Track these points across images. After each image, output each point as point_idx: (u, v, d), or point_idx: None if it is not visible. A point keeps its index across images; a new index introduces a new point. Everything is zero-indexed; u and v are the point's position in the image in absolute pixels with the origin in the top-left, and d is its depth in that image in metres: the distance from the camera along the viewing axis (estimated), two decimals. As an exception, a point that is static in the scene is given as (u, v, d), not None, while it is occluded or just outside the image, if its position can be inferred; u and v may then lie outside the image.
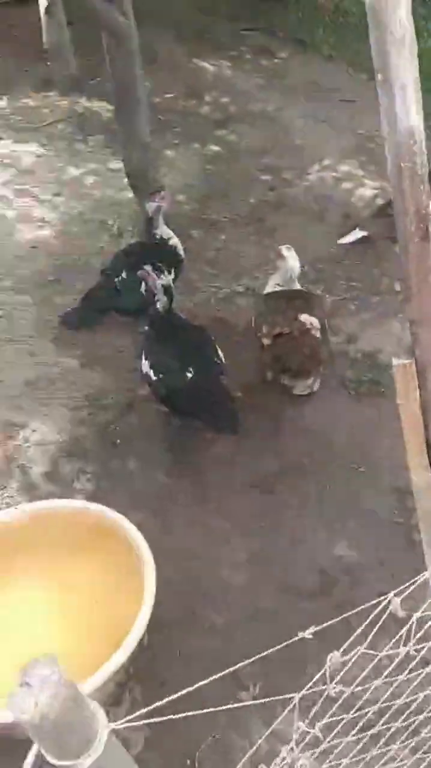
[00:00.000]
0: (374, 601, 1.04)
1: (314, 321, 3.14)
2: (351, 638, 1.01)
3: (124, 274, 3.47)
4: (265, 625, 2.23)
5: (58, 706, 0.68)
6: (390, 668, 1.14)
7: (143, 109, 3.90)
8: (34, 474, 2.95)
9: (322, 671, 0.97)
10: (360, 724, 1.23)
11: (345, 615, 1.04)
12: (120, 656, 2.06)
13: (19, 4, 6.49)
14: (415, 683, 1.26)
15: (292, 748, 1.10)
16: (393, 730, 1.32)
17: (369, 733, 1.29)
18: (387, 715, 1.27)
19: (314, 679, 0.98)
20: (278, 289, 3.27)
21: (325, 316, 3.34)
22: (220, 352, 2.99)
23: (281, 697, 0.97)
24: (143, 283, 3.02)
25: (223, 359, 2.98)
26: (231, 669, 0.97)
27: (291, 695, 0.97)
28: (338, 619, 1.03)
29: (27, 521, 2.51)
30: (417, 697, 1.31)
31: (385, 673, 1.14)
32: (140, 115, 3.89)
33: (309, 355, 3.12)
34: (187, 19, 6.97)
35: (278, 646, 0.98)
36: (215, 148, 5.25)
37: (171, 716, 0.98)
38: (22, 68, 6.35)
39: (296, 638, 0.96)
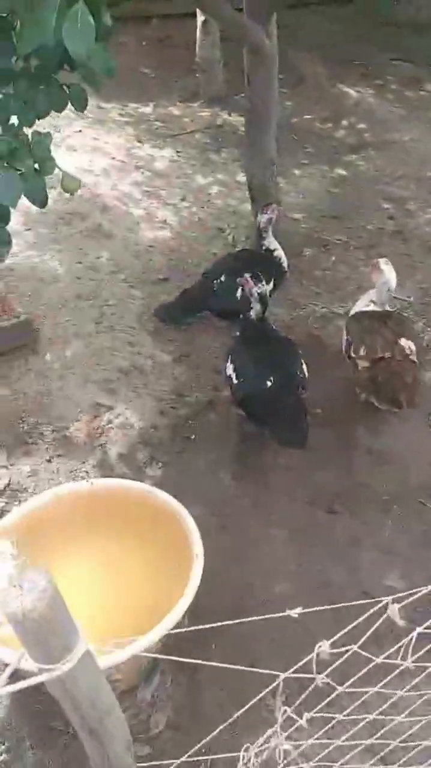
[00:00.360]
0: (372, 600, 1.06)
1: (412, 346, 3.05)
2: (342, 632, 1.04)
3: (223, 278, 3.59)
4: (295, 635, 2.24)
5: (41, 609, 0.77)
6: (388, 679, 1.15)
7: (272, 127, 4.01)
8: (112, 454, 3.11)
9: (308, 657, 1.01)
10: (353, 730, 1.25)
11: (334, 606, 1.07)
12: (152, 636, 2.15)
13: (178, 18, 6.85)
14: (418, 702, 1.25)
15: (276, 732, 1.13)
16: (391, 747, 1.31)
17: (363, 743, 1.29)
18: (383, 730, 1.27)
19: (301, 663, 1.02)
20: (368, 308, 3.22)
21: (416, 341, 3.24)
22: (304, 366, 3.01)
23: (264, 671, 1.01)
24: (240, 289, 3.12)
25: (306, 373, 3.00)
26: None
27: (276, 673, 1.01)
28: (324, 608, 1.06)
29: (96, 495, 2.65)
30: (420, 719, 1.30)
31: (382, 683, 1.16)
32: (269, 132, 4.01)
33: (411, 384, 3.01)
34: (339, 46, 7.08)
35: (255, 617, 1.02)
36: (343, 172, 5.30)
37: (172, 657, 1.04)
38: (173, 78, 6.70)
39: (283, 614, 1.00)
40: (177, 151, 5.53)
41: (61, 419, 3.27)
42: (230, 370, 3.01)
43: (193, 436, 3.15)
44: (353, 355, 3.13)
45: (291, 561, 2.66)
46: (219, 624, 1.09)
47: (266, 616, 1.07)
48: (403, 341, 3.05)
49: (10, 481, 2.99)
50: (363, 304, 3.29)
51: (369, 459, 3.07)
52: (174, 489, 2.68)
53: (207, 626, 1.06)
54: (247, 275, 3.04)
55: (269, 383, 2.88)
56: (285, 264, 3.73)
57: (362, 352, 3.08)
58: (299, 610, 1.00)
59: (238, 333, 3.15)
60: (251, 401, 2.94)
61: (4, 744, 2.25)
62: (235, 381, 2.98)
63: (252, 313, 3.04)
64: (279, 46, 3.92)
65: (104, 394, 3.39)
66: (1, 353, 3.57)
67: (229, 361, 3.05)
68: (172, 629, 2.17)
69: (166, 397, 3.37)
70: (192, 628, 1.14)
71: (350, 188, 5.11)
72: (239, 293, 3.18)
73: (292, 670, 1.02)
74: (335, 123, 6.04)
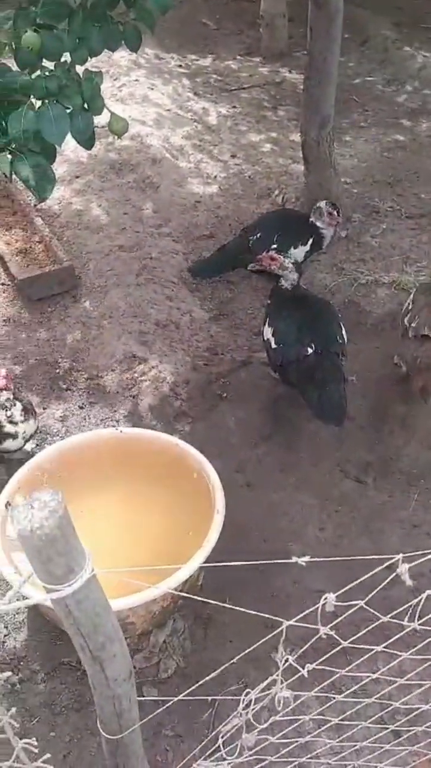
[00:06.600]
0: (383, 556, 1.04)
1: None
2: (348, 586, 1.03)
3: (259, 234, 3.51)
4: (311, 597, 2.24)
5: (49, 527, 0.78)
6: (391, 640, 1.14)
7: (331, 85, 3.88)
8: (143, 406, 3.12)
9: (314, 607, 1.00)
10: (354, 688, 1.24)
11: (344, 558, 1.05)
12: (167, 584, 2.17)
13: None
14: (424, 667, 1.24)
15: (279, 680, 1.13)
16: (390, 709, 1.31)
17: (364, 701, 1.29)
18: (385, 690, 1.26)
19: (305, 613, 1.01)
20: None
21: None
22: (344, 331, 2.95)
23: (270, 616, 1.01)
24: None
25: (346, 339, 2.94)
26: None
27: (281, 620, 1.01)
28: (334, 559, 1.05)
29: (123, 442, 2.69)
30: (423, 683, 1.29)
31: (385, 644, 1.15)
32: (327, 89, 3.87)
33: None
34: (408, 8, 6.79)
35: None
36: (401, 137, 5.12)
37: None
38: (236, 32, 6.54)
39: (291, 561, 1.00)
40: (232, 107, 5.41)
41: (95, 367, 3.29)
42: (268, 333, 2.95)
43: (224, 394, 3.14)
44: (406, 324, 3.04)
45: (314, 525, 2.65)
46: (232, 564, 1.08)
47: (274, 561, 1.06)
48: None
49: (41, 424, 3.04)
50: None
51: (401, 432, 3.01)
52: (201, 444, 2.69)
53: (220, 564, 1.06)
54: (267, 253, 2.96)
55: (309, 350, 2.80)
56: (326, 243, 3.63)
57: (413, 324, 2.99)
58: (306, 558, 0.99)
59: (269, 301, 3.08)
60: (289, 368, 2.87)
61: (18, 675, 2.31)
62: (273, 345, 2.92)
63: (285, 282, 2.97)
64: (347, 6, 3.77)
65: (139, 346, 3.39)
66: (42, 298, 3.60)
67: (267, 324, 2.99)
68: (186, 580, 2.22)
69: (200, 353, 3.35)
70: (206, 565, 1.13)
71: (407, 154, 4.93)
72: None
73: (296, 618, 1.01)
74: (398, 86, 5.82)
